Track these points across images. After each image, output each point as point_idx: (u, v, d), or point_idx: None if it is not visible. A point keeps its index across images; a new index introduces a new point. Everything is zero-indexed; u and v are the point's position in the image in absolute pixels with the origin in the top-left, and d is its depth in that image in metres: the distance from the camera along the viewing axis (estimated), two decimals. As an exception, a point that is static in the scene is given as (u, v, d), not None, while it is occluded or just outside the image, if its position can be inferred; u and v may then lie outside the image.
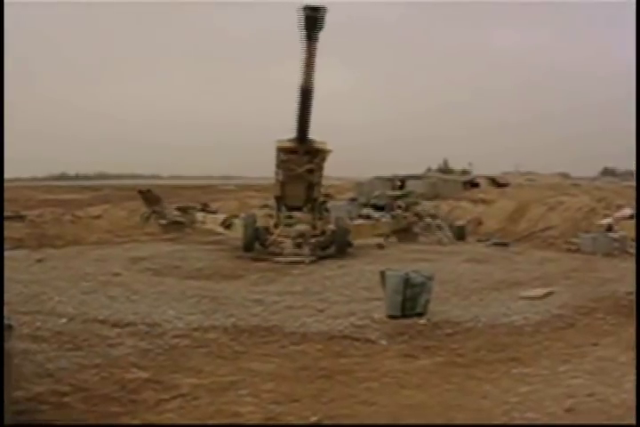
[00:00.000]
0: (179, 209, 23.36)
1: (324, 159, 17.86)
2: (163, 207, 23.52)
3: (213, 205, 27.03)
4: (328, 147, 17.78)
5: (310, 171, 17.73)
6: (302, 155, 17.43)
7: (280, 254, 16.95)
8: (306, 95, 16.27)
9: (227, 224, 20.01)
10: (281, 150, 17.41)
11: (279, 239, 17.43)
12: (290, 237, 17.31)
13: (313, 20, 14.79)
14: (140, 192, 24.38)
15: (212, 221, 21.50)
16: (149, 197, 23.68)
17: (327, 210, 19.04)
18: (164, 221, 23.26)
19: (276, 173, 17.99)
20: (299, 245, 17.16)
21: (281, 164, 17.61)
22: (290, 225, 17.71)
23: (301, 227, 17.57)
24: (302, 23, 14.82)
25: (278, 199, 18.25)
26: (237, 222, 19.44)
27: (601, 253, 18.04)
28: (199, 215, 22.44)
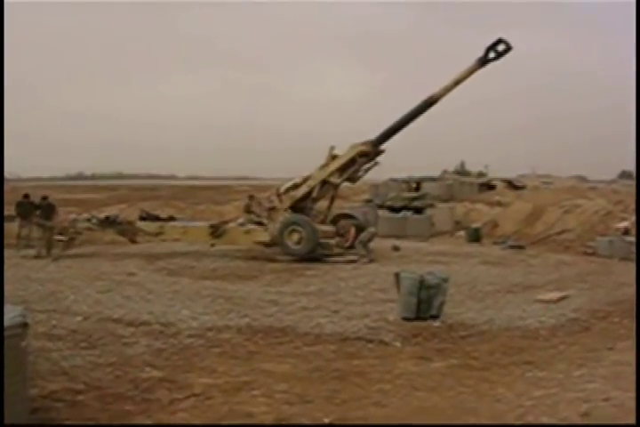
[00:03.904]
0: (106, 220, 19.10)
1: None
2: (52, 220, 18.73)
3: (227, 207, 26.16)
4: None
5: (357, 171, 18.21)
6: (372, 157, 17.91)
7: (330, 255, 17.17)
8: (428, 105, 17.05)
9: (219, 233, 18.14)
10: (357, 154, 17.66)
11: (324, 241, 17.46)
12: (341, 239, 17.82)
13: (503, 52, 16.61)
14: (20, 205, 19.72)
15: (182, 232, 18.73)
16: (42, 207, 19.02)
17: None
18: (63, 238, 18.42)
19: (331, 175, 17.91)
20: (348, 246, 17.69)
21: (349, 167, 17.81)
22: (361, 228, 18.02)
23: (372, 229, 18.03)
24: (491, 50, 16.53)
25: (301, 201, 18.15)
26: (231, 229, 18.29)
27: (617, 256, 17.93)
28: (145, 225, 18.96)
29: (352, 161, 17.76)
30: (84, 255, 17.81)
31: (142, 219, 19.34)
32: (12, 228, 19.40)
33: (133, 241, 19.12)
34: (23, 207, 19.39)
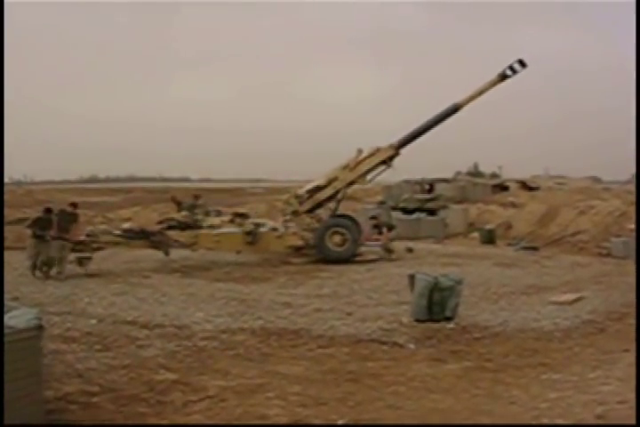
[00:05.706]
0: (140, 232, 16.40)
1: None
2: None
3: (241, 209, 25.83)
4: None
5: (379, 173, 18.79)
6: (391, 159, 18.29)
7: (357, 255, 17.47)
8: (452, 112, 17.79)
9: (256, 240, 16.98)
10: (388, 157, 18.05)
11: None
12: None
13: (518, 70, 17.75)
14: (38, 221, 14.52)
15: (216, 240, 16.89)
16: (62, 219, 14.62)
17: None
18: (87, 255, 15.23)
19: (359, 178, 18.21)
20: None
21: (372, 170, 18.22)
22: (391, 227, 18.86)
23: (397, 230, 18.97)
24: (512, 68, 17.69)
25: (322, 203, 18.35)
26: (265, 234, 17.16)
27: (632, 257, 17.77)
28: (177, 234, 16.67)
29: (381, 163, 18.13)
30: (98, 258, 17.84)
31: (170, 227, 17.00)
32: (18, 229, 18.57)
33: (168, 253, 16.45)
34: (42, 222, 14.39)
